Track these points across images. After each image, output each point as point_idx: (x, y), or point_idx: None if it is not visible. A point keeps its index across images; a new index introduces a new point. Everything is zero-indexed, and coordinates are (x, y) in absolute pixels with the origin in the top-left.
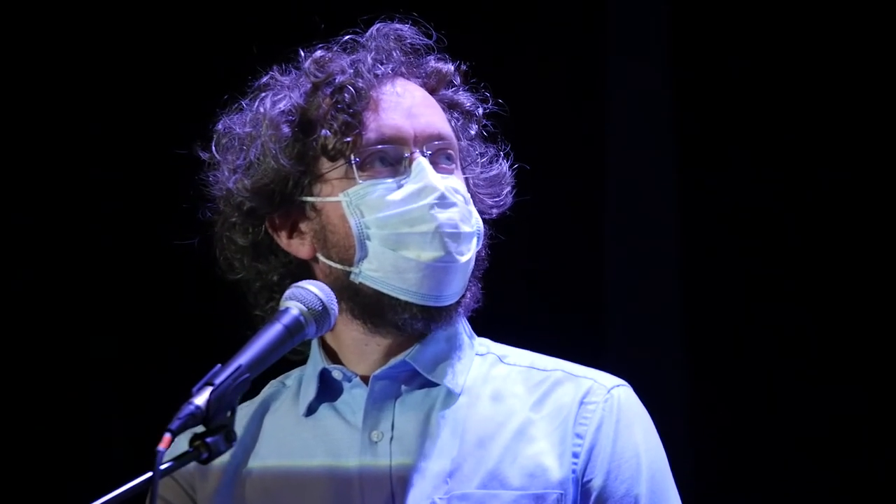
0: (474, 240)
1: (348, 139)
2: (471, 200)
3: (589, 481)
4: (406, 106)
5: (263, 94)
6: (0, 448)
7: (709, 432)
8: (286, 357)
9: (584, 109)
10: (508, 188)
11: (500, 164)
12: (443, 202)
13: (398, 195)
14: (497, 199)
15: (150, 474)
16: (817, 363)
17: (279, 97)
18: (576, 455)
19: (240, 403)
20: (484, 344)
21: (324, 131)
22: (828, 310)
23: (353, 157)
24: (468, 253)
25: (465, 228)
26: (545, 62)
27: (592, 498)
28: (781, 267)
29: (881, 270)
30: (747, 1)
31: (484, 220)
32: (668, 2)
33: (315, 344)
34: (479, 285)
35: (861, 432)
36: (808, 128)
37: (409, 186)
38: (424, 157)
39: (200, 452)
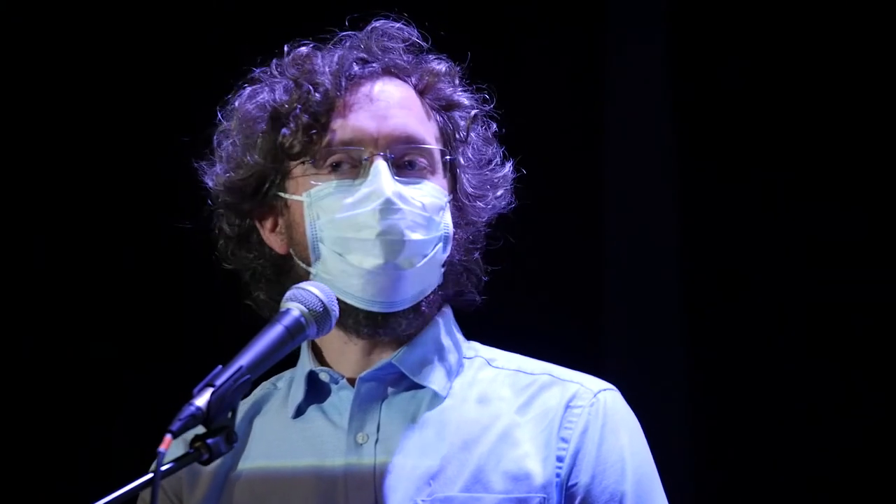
0: (436, 246)
1: (307, 139)
2: (438, 207)
3: (573, 485)
4: (376, 107)
5: (244, 89)
6: (1, 449)
7: (709, 436)
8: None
9: (584, 111)
10: (505, 191)
11: (498, 166)
12: (388, 208)
13: (350, 199)
14: (494, 202)
15: (150, 475)
16: (820, 366)
17: (256, 92)
18: (560, 459)
19: None
20: (472, 347)
21: (284, 129)
22: (830, 312)
23: (310, 157)
24: (419, 261)
25: (414, 236)
26: (544, 64)
27: (577, 502)
28: (783, 269)
29: (884, 271)
30: (747, 1)
31: (485, 222)
32: (668, 2)
33: (304, 345)
34: (464, 286)
35: (863, 434)
36: (810, 127)
37: (362, 190)
38: (388, 159)
39: (201, 454)
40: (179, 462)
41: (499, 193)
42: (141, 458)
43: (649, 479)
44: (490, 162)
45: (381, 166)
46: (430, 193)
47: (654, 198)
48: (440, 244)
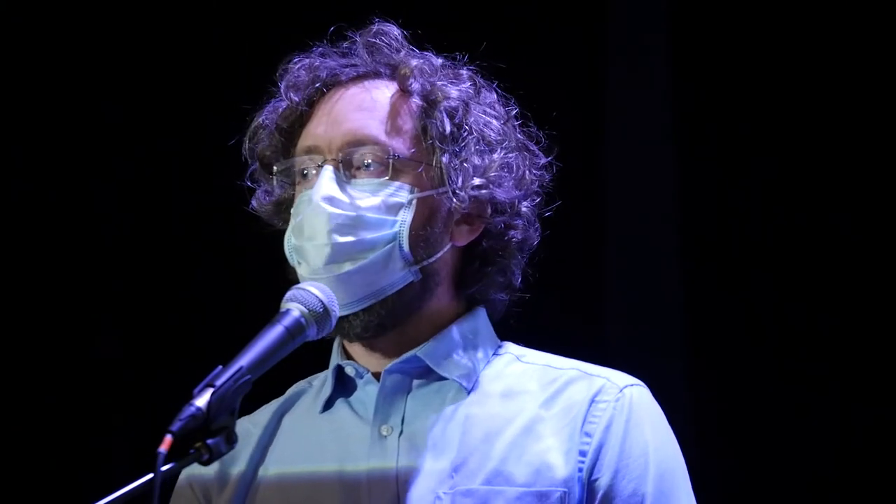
0: (387, 245)
1: (276, 152)
2: (391, 206)
3: (596, 480)
4: (335, 113)
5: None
6: (1, 449)
7: (710, 436)
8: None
9: (584, 112)
10: (507, 179)
11: (497, 156)
12: (315, 213)
13: (301, 206)
14: (496, 193)
15: (151, 476)
16: (820, 364)
17: (266, 106)
18: (583, 454)
19: (268, 402)
20: (504, 345)
21: (261, 142)
22: (831, 309)
23: (281, 169)
24: (356, 263)
25: (342, 239)
26: (544, 64)
27: (599, 497)
28: (783, 267)
29: (886, 270)
30: (748, 2)
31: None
32: (668, 2)
33: (336, 342)
34: (477, 282)
35: (863, 433)
36: (811, 126)
37: (307, 198)
38: (339, 163)
39: (202, 454)
40: (180, 462)
41: (495, 182)
42: (141, 459)
43: (673, 475)
44: (491, 152)
45: (324, 172)
46: (380, 193)
47: (654, 197)
48: (393, 243)
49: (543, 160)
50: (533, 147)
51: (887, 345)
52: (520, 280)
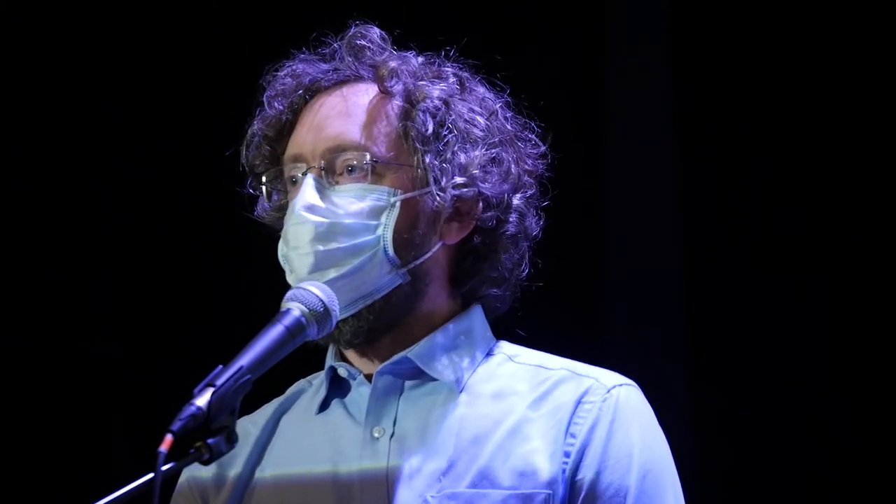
0: (372, 250)
1: (266, 160)
2: (374, 210)
3: (579, 480)
4: (317, 120)
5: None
6: (1, 449)
7: (710, 436)
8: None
9: (584, 112)
10: (491, 174)
11: (485, 150)
12: (298, 222)
13: (288, 216)
14: (481, 187)
15: (151, 475)
16: (820, 362)
17: (256, 115)
18: (567, 454)
19: (269, 401)
20: (497, 344)
21: (248, 153)
22: (831, 308)
23: (264, 177)
24: (340, 270)
25: (325, 246)
26: (544, 64)
27: (581, 497)
28: (784, 267)
29: (885, 269)
30: (748, 2)
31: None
32: (668, 2)
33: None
34: (467, 281)
35: (863, 431)
36: (811, 126)
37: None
38: (322, 171)
39: (202, 454)
40: (180, 462)
41: (479, 179)
42: (141, 458)
43: (659, 474)
44: (475, 149)
45: (305, 181)
46: (362, 198)
47: (654, 197)
48: (377, 247)
49: (537, 150)
50: (528, 137)
51: (888, 345)
52: (525, 272)
